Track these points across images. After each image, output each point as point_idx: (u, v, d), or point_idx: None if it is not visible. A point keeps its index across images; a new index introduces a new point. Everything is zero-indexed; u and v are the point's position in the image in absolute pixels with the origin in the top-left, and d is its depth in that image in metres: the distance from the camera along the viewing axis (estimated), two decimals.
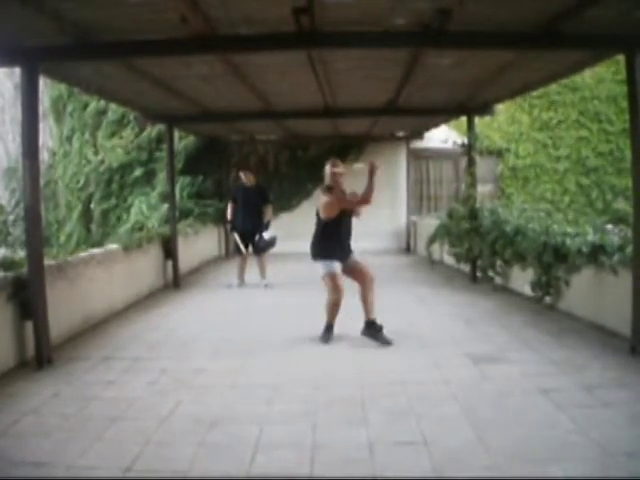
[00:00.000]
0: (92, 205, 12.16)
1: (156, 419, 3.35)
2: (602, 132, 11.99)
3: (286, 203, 12.03)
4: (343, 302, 5.05)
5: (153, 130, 11.56)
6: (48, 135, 12.99)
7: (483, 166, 10.23)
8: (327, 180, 5.07)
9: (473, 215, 7.85)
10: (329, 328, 5.14)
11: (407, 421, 3.27)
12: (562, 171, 12.06)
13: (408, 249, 12.13)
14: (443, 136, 9.58)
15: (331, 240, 5.03)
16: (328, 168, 5.08)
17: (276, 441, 3.05)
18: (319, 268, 5.06)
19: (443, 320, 5.79)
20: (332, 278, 4.98)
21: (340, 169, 5.05)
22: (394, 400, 3.60)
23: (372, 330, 4.99)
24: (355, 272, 5.10)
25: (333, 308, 5.08)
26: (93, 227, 12.20)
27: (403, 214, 12.26)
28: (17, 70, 4.74)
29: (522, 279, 6.52)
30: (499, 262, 7.22)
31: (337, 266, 5.01)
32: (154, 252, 7.97)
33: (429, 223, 10.06)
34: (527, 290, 6.30)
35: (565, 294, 5.72)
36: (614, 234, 5.27)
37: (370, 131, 10.92)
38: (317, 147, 11.85)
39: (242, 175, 8.07)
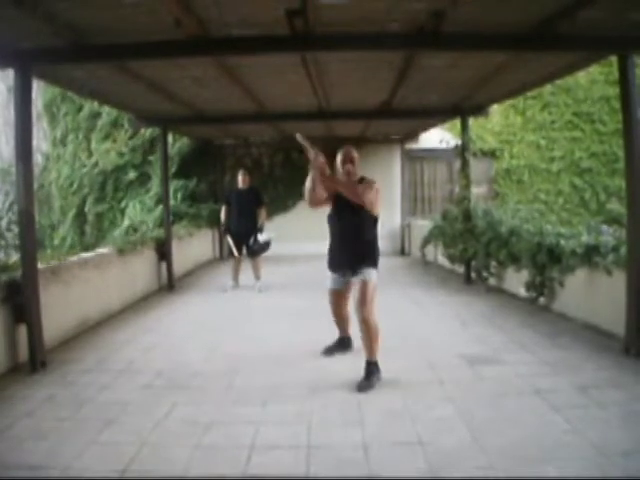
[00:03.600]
0: (86, 208, 12.13)
1: (151, 421, 3.34)
2: (595, 133, 12.04)
3: (281, 205, 12.05)
4: None
5: (147, 133, 11.56)
6: (42, 138, 12.94)
7: (477, 167, 10.26)
8: (357, 171, 4.09)
9: (467, 216, 7.87)
10: (337, 341, 4.76)
11: (402, 422, 3.27)
12: (556, 172, 12.09)
13: (403, 251, 12.15)
14: (438, 137, 9.60)
15: (331, 242, 4.27)
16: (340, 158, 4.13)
17: (272, 442, 3.05)
18: None
19: (438, 321, 5.80)
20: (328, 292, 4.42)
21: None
22: (389, 401, 3.61)
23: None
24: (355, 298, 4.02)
25: (335, 321, 4.65)
26: (87, 230, 12.16)
27: (397, 216, 12.27)
28: (10, 72, 4.72)
29: (516, 280, 6.54)
30: (493, 263, 7.25)
31: (331, 279, 4.30)
32: (148, 255, 7.94)
33: (423, 225, 10.08)
34: (521, 291, 6.33)
35: (559, 295, 5.75)
36: (608, 234, 5.30)
37: (364, 133, 10.93)
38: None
39: (239, 176, 8.02)
